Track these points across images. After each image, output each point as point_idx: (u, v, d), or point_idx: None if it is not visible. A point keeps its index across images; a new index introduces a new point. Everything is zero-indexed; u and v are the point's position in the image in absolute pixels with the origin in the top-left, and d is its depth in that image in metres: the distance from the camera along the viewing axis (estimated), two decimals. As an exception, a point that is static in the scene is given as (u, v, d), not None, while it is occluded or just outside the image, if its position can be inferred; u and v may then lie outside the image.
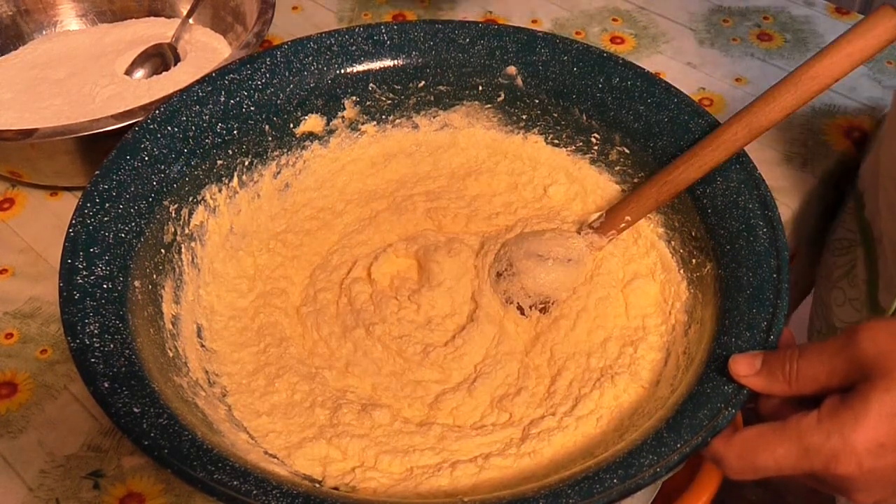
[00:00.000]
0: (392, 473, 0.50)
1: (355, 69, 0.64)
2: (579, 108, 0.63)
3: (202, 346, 0.56)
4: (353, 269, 0.61)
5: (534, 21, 0.88)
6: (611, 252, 0.60)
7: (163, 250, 0.55)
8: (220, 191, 0.60)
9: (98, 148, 0.63)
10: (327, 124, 0.65)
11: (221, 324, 0.58)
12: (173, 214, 0.56)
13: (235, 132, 0.60)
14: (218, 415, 0.50)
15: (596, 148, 0.64)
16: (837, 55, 0.48)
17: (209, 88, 0.59)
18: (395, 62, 0.65)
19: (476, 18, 0.88)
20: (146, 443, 0.42)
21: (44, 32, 0.84)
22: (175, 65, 0.79)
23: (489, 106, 0.66)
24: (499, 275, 0.60)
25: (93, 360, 0.45)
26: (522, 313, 0.59)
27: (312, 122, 0.64)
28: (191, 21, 0.81)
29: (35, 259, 0.67)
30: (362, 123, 0.66)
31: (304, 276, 0.62)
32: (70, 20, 0.84)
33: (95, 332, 0.46)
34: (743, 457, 0.43)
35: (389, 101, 0.66)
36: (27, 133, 0.64)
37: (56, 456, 0.56)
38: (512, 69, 0.64)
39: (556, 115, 0.64)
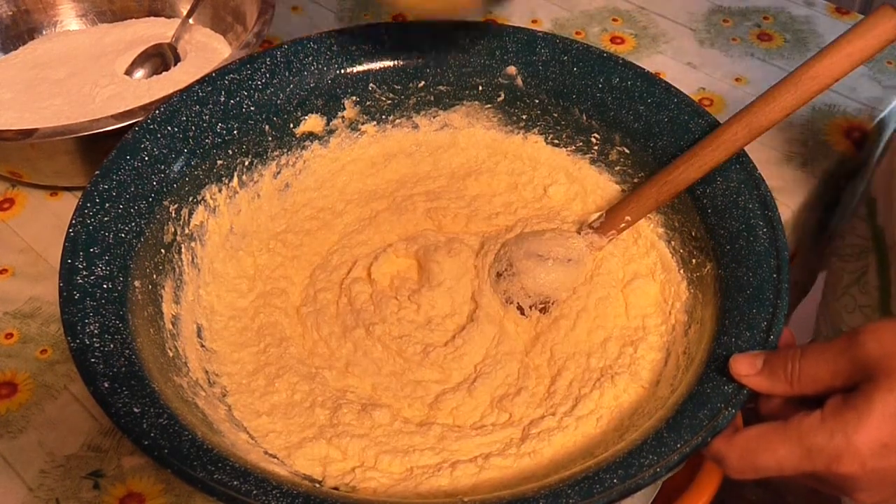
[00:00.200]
0: (392, 473, 0.50)
1: (355, 69, 0.64)
2: (579, 108, 0.63)
3: (202, 346, 0.56)
4: (353, 269, 0.61)
5: (534, 21, 0.88)
6: (611, 252, 0.60)
7: (163, 250, 0.55)
8: (220, 191, 0.60)
9: (98, 148, 0.63)
10: (327, 124, 0.65)
11: (221, 324, 0.58)
12: (173, 214, 0.56)
13: (235, 132, 0.60)
14: (218, 415, 0.51)
15: (596, 148, 0.64)
16: (837, 55, 0.48)
17: (209, 88, 0.59)
18: (395, 62, 0.65)
19: (476, 18, 0.88)
20: (146, 443, 0.42)
21: (44, 32, 0.84)
22: (175, 65, 0.79)
23: (489, 106, 0.66)
24: (499, 275, 0.60)
25: (93, 360, 0.45)
26: (522, 313, 0.59)
27: (312, 122, 0.64)
28: (191, 21, 0.81)
29: (35, 259, 0.67)
30: (362, 123, 0.66)
31: (304, 276, 0.62)
32: (70, 20, 0.84)
33: (95, 332, 0.46)
34: (744, 456, 0.43)
35: (389, 101, 0.66)
36: (27, 133, 0.64)
37: (56, 456, 0.56)
38: (512, 69, 0.64)
39: (556, 115, 0.64)
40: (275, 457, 0.51)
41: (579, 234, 0.60)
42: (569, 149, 0.65)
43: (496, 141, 0.67)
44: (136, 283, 0.51)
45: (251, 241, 0.62)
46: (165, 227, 0.56)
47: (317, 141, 0.65)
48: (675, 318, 0.56)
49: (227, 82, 0.60)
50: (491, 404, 0.55)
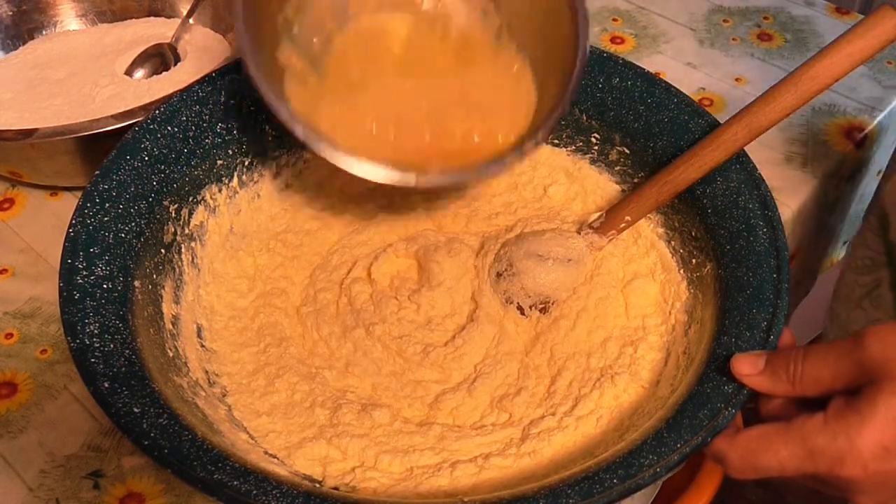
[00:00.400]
0: (392, 473, 0.51)
1: (355, 69, 0.64)
2: (579, 108, 0.63)
3: (202, 346, 0.56)
4: (353, 269, 0.61)
5: (534, 21, 0.88)
6: (611, 252, 0.60)
7: (163, 250, 0.55)
8: (220, 191, 0.60)
9: (98, 148, 0.63)
10: (327, 124, 0.65)
11: (221, 324, 0.58)
12: (173, 214, 0.56)
13: (235, 132, 0.60)
14: (218, 415, 0.51)
15: (596, 148, 0.64)
16: (837, 55, 0.48)
17: (209, 88, 0.59)
18: (395, 62, 0.65)
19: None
20: (146, 443, 0.42)
21: (44, 32, 0.83)
22: (175, 65, 0.79)
23: (489, 106, 0.66)
24: (499, 275, 0.60)
25: (93, 360, 0.45)
26: (522, 313, 0.59)
27: (312, 122, 0.64)
28: (191, 21, 0.81)
29: (35, 259, 0.67)
30: (362, 123, 0.66)
31: (304, 276, 0.62)
32: (70, 20, 0.84)
33: (95, 332, 0.46)
34: (746, 456, 0.43)
35: (389, 101, 0.66)
36: (27, 133, 0.64)
37: (56, 456, 0.56)
38: (512, 69, 0.64)
39: (556, 115, 0.64)
40: (275, 457, 0.51)
41: (579, 234, 0.60)
42: (569, 149, 0.65)
43: (496, 141, 0.67)
44: (136, 283, 0.51)
45: (251, 241, 0.62)
46: (165, 227, 0.56)
47: (317, 141, 0.65)
48: (675, 318, 0.56)
49: (227, 82, 0.60)
50: (491, 404, 0.55)
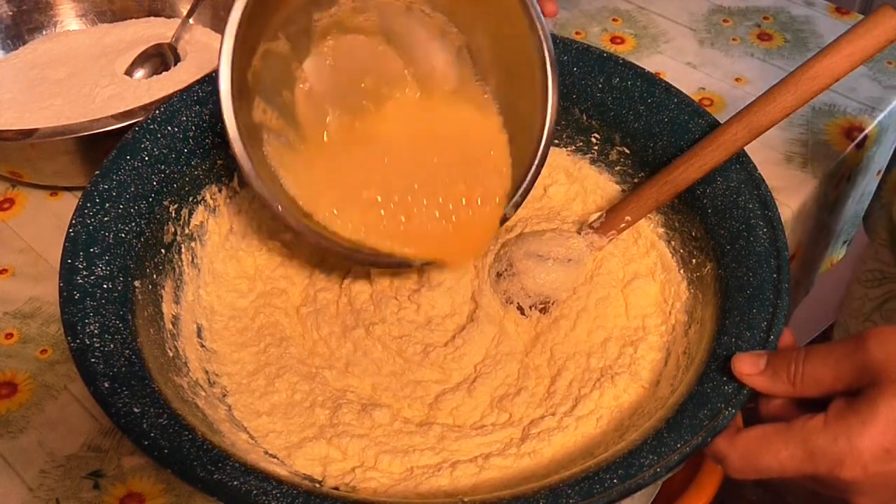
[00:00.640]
0: (392, 473, 0.51)
1: (355, 69, 0.64)
2: (579, 108, 0.63)
3: (202, 346, 0.56)
4: (353, 269, 0.61)
5: (534, 21, 0.88)
6: (611, 252, 0.60)
7: (163, 250, 0.55)
8: (220, 191, 0.60)
9: (98, 148, 0.63)
10: (327, 124, 0.65)
11: (221, 324, 0.58)
12: (173, 214, 0.56)
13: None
14: (218, 415, 0.51)
15: (596, 148, 0.64)
16: (837, 55, 0.48)
17: (209, 88, 0.59)
18: (395, 62, 0.65)
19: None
20: (146, 443, 0.42)
21: (44, 32, 0.84)
22: (175, 65, 0.79)
23: (489, 106, 0.66)
24: (499, 275, 0.60)
25: (93, 360, 0.45)
26: (522, 313, 0.59)
27: (312, 122, 0.64)
28: (191, 21, 0.81)
29: (35, 259, 0.67)
30: (362, 123, 0.66)
31: (304, 276, 0.62)
32: (70, 20, 0.84)
33: (95, 332, 0.46)
34: (746, 457, 0.43)
35: (389, 101, 0.66)
36: (27, 133, 0.64)
37: (56, 456, 0.56)
38: (512, 69, 0.64)
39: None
40: (275, 457, 0.51)
41: (579, 234, 0.60)
42: (569, 149, 0.65)
43: (496, 141, 0.67)
44: (136, 283, 0.51)
45: (251, 241, 0.62)
46: (165, 227, 0.56)
47: (317, 141, 0.65)
48: (675, 318, 0.56)
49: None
50: (491, 404, 0.55)
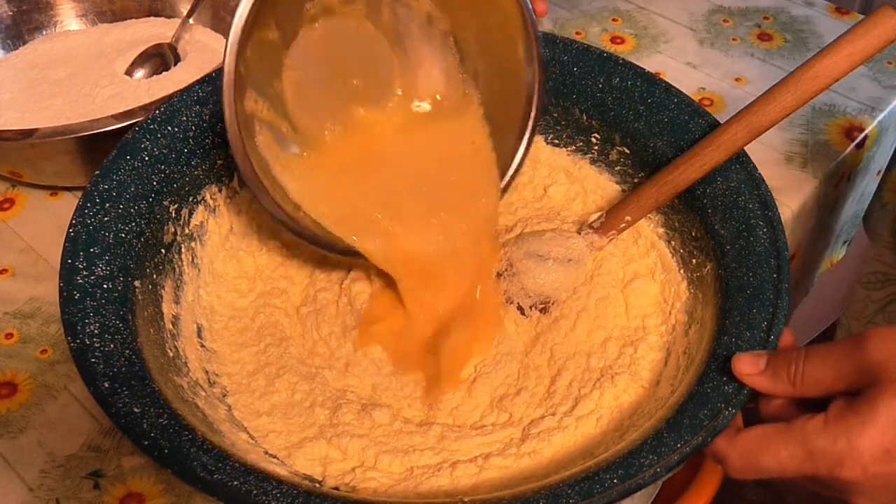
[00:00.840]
0: (392, 473, 0.51)
1: (355, 69, 0.64)
2: (579, 108, 0.63)
3: (202, 346, 0.56)
4: (353, 270, 0.61)
5: (534, 21, 0.88)
6: (611, 252, 0.60)
7: (163, 250, 0.55)
8: (220, 191, 0.60)
9: (98, 148, 0.63)
10: (327, 124, 0.65)
11: (221, 324, 0.58)
12: (173, 214, 0.56)
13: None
14: (218, 415, 0.51)
15: (596, 148, 0.64)
16: (837, 55, 0.48)
17: (209, 88, 0.59)
18: (395, 62, 0.65)
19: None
20: (146, 443, 0.42)
21: (44, 32, 0.84)
22: (175, 65, 0.79)
23: (489, 106, 0.66)
24: (499, 275, 0.60)
25: (93, 360, 0.45)
26: (522, 313, 0.59)
27: (312, 122, 0.64)
28: (191, 21, 0.81)
29: (35, 259, 0.67)
30: (362, 123, 0.66)
31: (304, 276, 0.62)
32: (70, 20, 0.84)
33: (95, 332, 0.46)
34: (746, 457, 0.43)
35: (389, 101, 0.66)
36: (27, 133, 0.64)
37: (56, 456, 0.56)
38: (512, 69, 0.64)
39: (556, 115, 0.64)
40: (275, 457, 0.51)
41: (579, 234, 0.60)
42: (569, 149, 0.65)
43: (496, 141, 0.67)
44: (136, 283, 0.51)
45: (251, 241, 0.62)
46: (165, 227, 0.56)
47: (317, 141, 0.65)
48: (675, 318, 0.56)
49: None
50: (491, 404, 0.55)
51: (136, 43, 0.81)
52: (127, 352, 0.46)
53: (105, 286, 0.49)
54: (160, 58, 0.79)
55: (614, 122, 0.62)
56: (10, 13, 0.82)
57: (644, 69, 0.62)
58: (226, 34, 0.47)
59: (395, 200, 0.57)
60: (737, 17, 0.88)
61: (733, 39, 0.86)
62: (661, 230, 0.60)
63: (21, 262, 0.67)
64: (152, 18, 0.85)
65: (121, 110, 0.65)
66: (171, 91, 0.65)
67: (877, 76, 0.81)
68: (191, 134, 0.58)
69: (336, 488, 0.50)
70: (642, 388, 0.54)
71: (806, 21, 0.88)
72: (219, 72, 0.48)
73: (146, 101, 0.68)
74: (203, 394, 0.51)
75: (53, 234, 0.69)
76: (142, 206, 0.54)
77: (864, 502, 0.41)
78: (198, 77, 0.61)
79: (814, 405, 0.43)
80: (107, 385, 0.44)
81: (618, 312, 0.58)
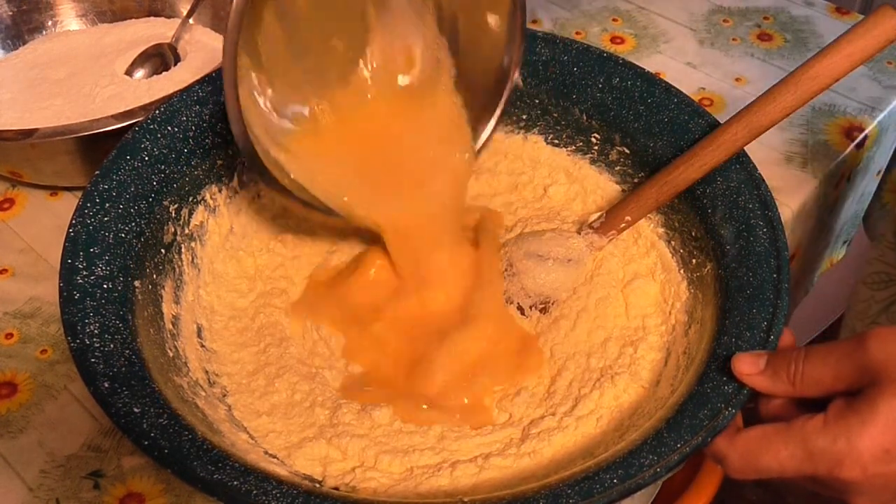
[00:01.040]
0: (392, 473, 0.51)
1: (355, 69, 0.64)
2: (579, 108, 0.63)
3: (202, 346, 0.56)
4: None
5: (534, 21, 0.88)
6: (611, 252, 0.60)
7: (163, 250, 0.55)
8: (220, 191, 0.60)
9: (98, 148, 0.63)
10: (327, 124, 0.65)
11: (221, 324, 0.58)
12: (173, 214, 0.56)
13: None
14: (218, 415, 0.51)
15: (596, 148, 0.64)
16: (837, 55, 0.48)
17: (209, 88, 0.59)
18: (395, 62, 0.65)
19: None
20: (146, 443, 0.42)
21: (44, 32, 0.83)
22: (175, 65, 0.79)
23: (489, 106, 0.66)
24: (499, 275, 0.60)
25: (93, 360, 0.45)
26: (522, 313, 0.59)
27: (312, 122, 0.64)
28: (191, 21, 0.81)
29: (35, 259, 0.67)
30: (362, 123, 0.66)
31: (304, 276, 0.62)
32: (70, 20, 0.84)
33: (95, 332, 0.46)
34: (746, 457, 0.43)
35: (389, 101, 0.66)
36: (27, 133, 0.64)
37: (56, 456, 0.56)
38: (512, 69, 0.64)
39: (556, 115, 0.64)
40: (275, 457, 0.51)
41: (579, 234, 0.60)
42: (569, 149, 0.65)
43: (496, 141, 0.67)
44: (136, 283, 0.51)
45: (251, 242, 0.62)
46: (165, 227, 0.56)
47: (317, 141, 0.65)
48: (675, 318, 0.56)
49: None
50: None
51: (136, 43, 0.81)
52: (127, 352, 0.46)
53: (105, 286, 0.49)
54: (160, 58, 0.79)
55: (614, 122, 0.62)
56: (10, 13, 0.82)
57: (644, 69, 0.62)
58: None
59: (377, 166, 0.58)
60: (737, 17, 0.88)
61: (733, 39, 0.86)
62: (661, 230, 0.60)
63: (21, 262, 0.67)
64: (152, 18, 0.85)
65: (121, 110, 0.65)
66: (171, 91, 0.65)
67: (877, 76, 0.81)
68: (191, 134, 0.58)
69: (336, 488, 0.50)
70: (642, 388, 0.54)
71: (806, 21, 0.88)
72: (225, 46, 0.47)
73: (146, 101, 0.68)
74: (203, 394, 0.51)
75: (53, 234, 0.69)
76: (142, 206, 0.54)
77: (864, 502, 0.41)
78: (198, 77, 0.61)
79: (814, 405, 0.42)
80: (107, 385, 0.44)
81: (618, 312, 0.58)
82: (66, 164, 0.67)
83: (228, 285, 0.60)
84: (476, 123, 0.60)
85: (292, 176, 0.55)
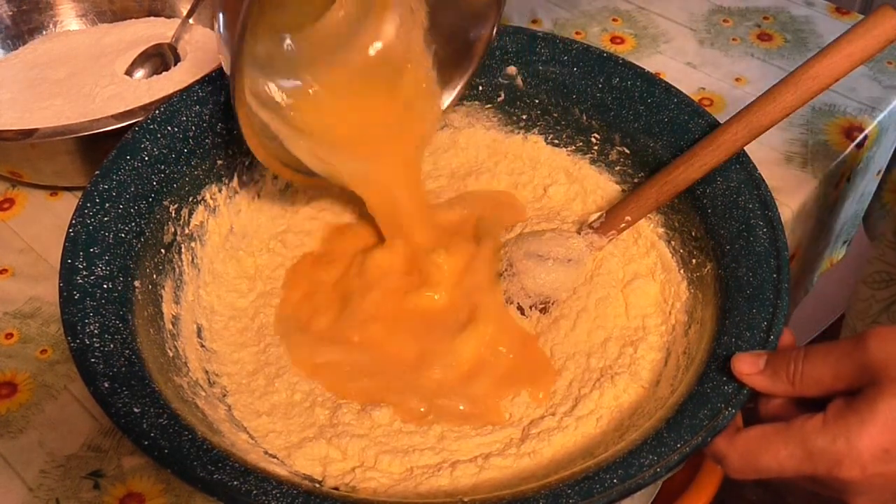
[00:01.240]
0: (392, 473, 0.51)
1: (355, 69, 0.64)
2: (579, 108, 0.63)
3: (202, 346, 0.56)
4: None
5: (534, 21, 0.88)
6: (611, 252, 0.60)
7: (163, 250, 0.55)
8: (220, 191, 0.60)
9: (98, 148, 0.63)
10: (327, 124, 0.65)
11: (221, 324, 0.58)
12: (173, 214, 0.56)
13: (235, 132, 0.60)
14: (218, 415, 0.51)
15: (596, 148, 0.64)
16: (837, 55, 0.48)
17: (209, 88, 0.59)
18: (395, 62, 0.65)
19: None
20: (146, 443, 0.42)
21: (44, 32, 0.83)
22: (175, 65, 0.79)
23: (489, 106, 0.66)
24: (499, 275, 0.60)
25: (93, 360, 0.45)
26: (522, 313, 0.59)
27: (312, 122, 0.64)
28: (191, 21, 0.81)
29: (35, 259, 0.67)
30: (362, 123, 0.66)
31: (304, 276, 0.62)
32: (70, 20, 0.84)
33: (95, 332, 0.46)
34: (745, 457, 0.43)
35: (389, 101, 0.66)
36: (27, 133, 0.64)
37: (56, 456, 0.56)
38: (512, 69, 0.64)
39: (556, 115, 0.64)
40: (275, 457, 0.51)
41: (579, 234, 0.60)
42: (569, 149, 0.65)
43: (496, 141, 0.67)
44: (136, 283, 0.51)
45: (251, 242, 0.62)
46: (165, 227, 0.56)
47: (317, 141, 0.65)
48: (675, 318, 0.56)
49: (227, 82, 0.60)
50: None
51: (136, 43, 0.81)
52: (127, 352, 0.46)
53: (105, 286, 0.49)
54: (160, 58, 0.79)
55: (614, 122, 0.62)
56: (10, 13, 0.82)
57: (644, 69, 0.62)
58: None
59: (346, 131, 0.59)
60: (737, 17, 0.88)
61: (733, 39, 0.86)
62: (661, 230, 0.60)
63: (21, 262, 0.67)
64: (152, 18, 0.85)
65: (121, 110, 0.65)
66: (171, 91, 0.65)
67: (877, 76, 0.81)
68: (191, 134, 0.58)
69: (336, 488, 0.50)
70: (642, 388, 0.54)
71: (806, 21, 0.88)
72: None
73: (146, 101, 0.68)
74: (203, 394, 0.51)
75: (53, 234, 0.69)
76: (142, 206, 0.54)
77: (864, 502, 0.41)
78: (198, 77, 0.61)
79: (813, 405, 0.42)
80: (107, 385, 0.44)
81: (618, 312, 0.58)
82: (66, 164, 0.67)
83: (228, 285, 0.60)
84: (449, 79, 0.61)
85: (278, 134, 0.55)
